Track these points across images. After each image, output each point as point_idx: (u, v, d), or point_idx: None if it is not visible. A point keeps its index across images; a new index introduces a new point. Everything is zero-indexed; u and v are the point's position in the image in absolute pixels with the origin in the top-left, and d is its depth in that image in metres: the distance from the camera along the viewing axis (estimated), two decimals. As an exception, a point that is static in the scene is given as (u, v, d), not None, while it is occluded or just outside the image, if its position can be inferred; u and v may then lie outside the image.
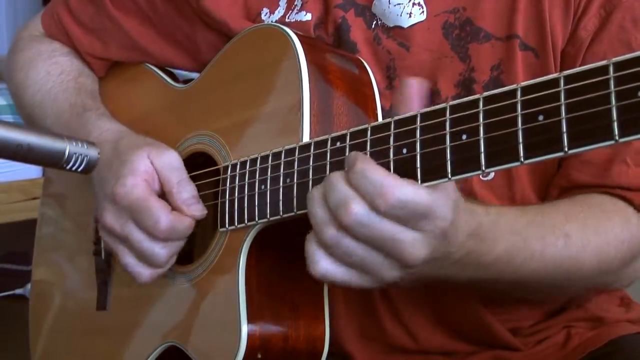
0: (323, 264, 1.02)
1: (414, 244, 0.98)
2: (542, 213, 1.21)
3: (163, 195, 1.27)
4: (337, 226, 0.99)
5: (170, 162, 1.28)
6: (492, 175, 1.28)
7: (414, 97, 1.01)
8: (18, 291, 3.37)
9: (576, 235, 1.20)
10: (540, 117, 0.87)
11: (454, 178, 0.94)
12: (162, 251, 1.24)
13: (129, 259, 1.27)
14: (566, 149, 0.85)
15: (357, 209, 0.97)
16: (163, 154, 1.28)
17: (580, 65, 1.24)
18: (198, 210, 1.25)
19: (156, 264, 1.25)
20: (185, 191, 1.26)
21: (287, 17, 1.35)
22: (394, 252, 0.99)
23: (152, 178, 1.26)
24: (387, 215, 0.96)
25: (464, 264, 1.09)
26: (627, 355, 1.32)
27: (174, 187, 1.26)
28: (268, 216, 1.16)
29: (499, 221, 1.12)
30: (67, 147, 0.94)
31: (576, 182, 1.29)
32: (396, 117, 1.01)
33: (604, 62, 0.83)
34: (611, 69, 0.82)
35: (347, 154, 1.06)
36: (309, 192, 1.04)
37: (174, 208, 1.25)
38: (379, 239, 0.98)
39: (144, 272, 1.26)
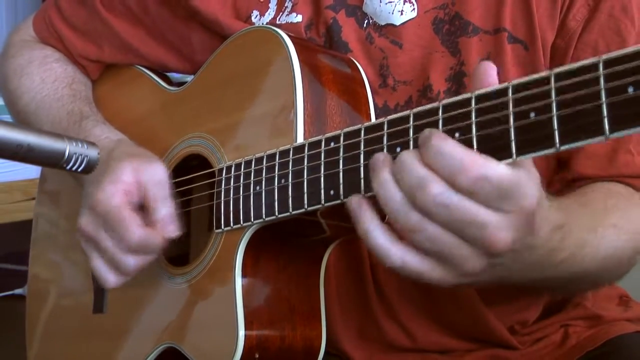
0: (399, 254, 0.95)
1: (498, 226, 0.90)
2: (584, 204, 1.19)
3: (143, 208, 1.26)
4: (418, 210, 0.92)
5: (155, 176, 1.27)
6: None
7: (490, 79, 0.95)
8: (18, 291, 3.37)
9: (620, 224, 1.18)
10: (532, 115, 0.87)
11: None
12: (131, 261, 1.23)
13: (98, 263, 1.27)
14: (558, 146, 0.85)
15: (437, 189, 0.89)
16: (148, 167, 1.27)
17: (572, 56, 1.26)
18: (171, 230, 1.24)
19: (123, 272, 1.25)
20: (164, 209, 1.25)
21: (277, 19, 1.36)
22: (479, 237, 0.91)
23: (133, 190, 1.26)
24: (469, 193, 0.89)
25: (544, 262, 1.04)
26: (624, 355, 1.32)
27: (152, 203, 1.25)
28: (264, 216, 1.16)
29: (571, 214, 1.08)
30: (67, 147, 0.93)
31: (581, 175, 1.29)
32: (389, 117, 1.01)
33: (594, 59, 0.83)
34: (601, 65, 0.82)
35: (341, 154, 1.06)
36: (377, 176, 0.95)
37: (151, 223, 1.24)
38: (462, 221, 0.90)
39: (111, 278, 1.26)
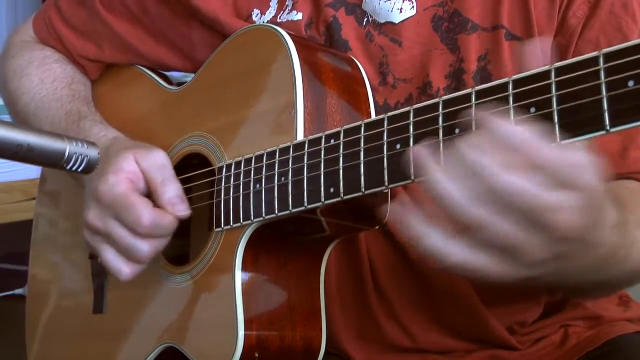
0: (459, 253, 0.87)
1: (567, 208, 0.84)
2: (622, 201, 1.11)
3: (149, 195, 1.26)
4: (482, 202, 0.84)
5: (156, 161, 1.27)
6: None
7: (539, 55, 0.89)
8: (18, 291, 3.37)
9: None
10: (532, 109, 0.87)
11: None
12: (145, 247, 1.22)
13: (110, 255, 1.26)
14: (558, 140, 0.85)
15: (506, 177, 0.83)
16: (149, 154, 1.28)
17: (573, 53, 1.25)
18: (181, 210, 1.24)
19: (138, 259, 1.24)
20: (170, 190, 1.25)
21: (278, 17, 1.36)
22: (546, 221, 0.84)
23: (137, 177, 1.26)
24: (539, 174, 0.82)
25: (606, 261, 0.98)
26: (624, 356, 1.31)
27: (159, 186, 1.25)
28: (263, 215, 1.16)
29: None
30: (67, 147, 0.93)
31: None
32: (389, 114, 1.01)
33: (594, 54, 0.83)
34: (601, 60, 0.82)
35: (340, 151, 1.06)
36: (430, 174, 0.87)
37: (159, 206, 1.24)
38: (533, 207, 0.83)
39: (125, 269, 1.25)
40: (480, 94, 0.92)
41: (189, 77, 1.44)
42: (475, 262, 0.87)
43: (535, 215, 0.84)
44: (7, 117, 1.62)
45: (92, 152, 0.96)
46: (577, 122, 0.84)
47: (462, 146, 0.85)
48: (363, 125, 1.04)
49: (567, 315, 1.41)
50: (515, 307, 1.38)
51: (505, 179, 0.83)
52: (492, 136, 0.84)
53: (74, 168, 0.95)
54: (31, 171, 2.46)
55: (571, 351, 1.35)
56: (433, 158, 0.87)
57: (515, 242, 0.85)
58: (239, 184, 1.21)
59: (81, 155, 0.95)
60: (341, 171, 1.06)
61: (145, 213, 1.21)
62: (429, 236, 0.88)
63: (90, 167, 0.96)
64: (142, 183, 1.26)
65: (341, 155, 1.06)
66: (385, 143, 1.00)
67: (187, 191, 1.33)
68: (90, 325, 1.47)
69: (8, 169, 2.59)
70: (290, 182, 1.13)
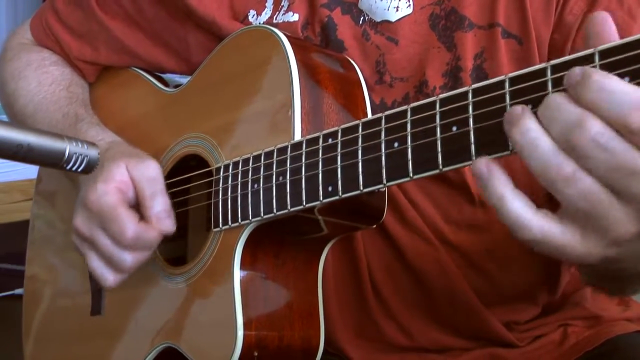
0: (540, 224, 0.82)
1: None
2: None
3: (138, 205, 1.27)
4: (573, 157, 0.80)
5: (148, 172, 1.27)
6: None
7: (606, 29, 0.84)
8: (18, 291, 3.37)
9: None
10: (529, 107, 0.88)
11: (445, 169, 0.94)
12: (128, 257, 1.24)
13: (95, 262, 1.27)
14: None
15: (597, 127, 0.77)
16: (141, 164, 1.28)
17: (570, 50, 1.24)
18: (167, 225, 1.25)
19: (121, 269, 1.26)
20: (158, 204, 1.25)
21: (274, 18, 1.36)
22: (635, 188, 0.78)
23: (127, 187, 1.26)
24: (636, 136, 0.77)
25: None
26: (624, 355, 1.31)
27: (147, 199, 1.25)
28: (262, 214, 1.16)
29: None
30: (67, 147, 0.93)
31: None
32: (386, 112, 1.01)
33: (589, 50, 0.82)
34: (597, 56, 0.81)
35: (338, 150, 1.06)
36: (519, 125, 0.83)
37: (146, 219, 1.25)
38: (622, 168, 0.77)
39: (109, 276, 1.27)
40: (477, 92, 0.92)
41: (185, 79, 1.44)
42: (558, 238, 0.83)
43: (627, 181, 0.78)
44: (6, 118, 1.63)
45: (92, 152, 0.96)
46: None
47: (559, 98, 0.81)
48: (361, 124, 1.04)
49: (566, 315, 1.41)
50: (512, 307, 1.38)
51: (602, 133, 0.78)
52: (599, 90, 0.78)
53: (74, 168, 0.95)
54: (31, 171, 2.46)
55: (570, 350, 1.35)
56: (527, 114, 0.83)
57: (599, 208, 0.80)
58: (237, 184, 1.21)
59: (81, 155, 0.95)
60: (339, 170, 1.06)
61: (129, 226, 1.22)
62: (511, 201, 0.83)
63: (90, 167, 0.96)
64: (131, 192, 1.27)
65: (339, 154, 1.06)
66: (383, 141, 1.01)
67: (185, 192, 1.34)
68: (87, 325, 1.47)
69: (8, 169, 2.59)
70: (288, 181, 1.13)
